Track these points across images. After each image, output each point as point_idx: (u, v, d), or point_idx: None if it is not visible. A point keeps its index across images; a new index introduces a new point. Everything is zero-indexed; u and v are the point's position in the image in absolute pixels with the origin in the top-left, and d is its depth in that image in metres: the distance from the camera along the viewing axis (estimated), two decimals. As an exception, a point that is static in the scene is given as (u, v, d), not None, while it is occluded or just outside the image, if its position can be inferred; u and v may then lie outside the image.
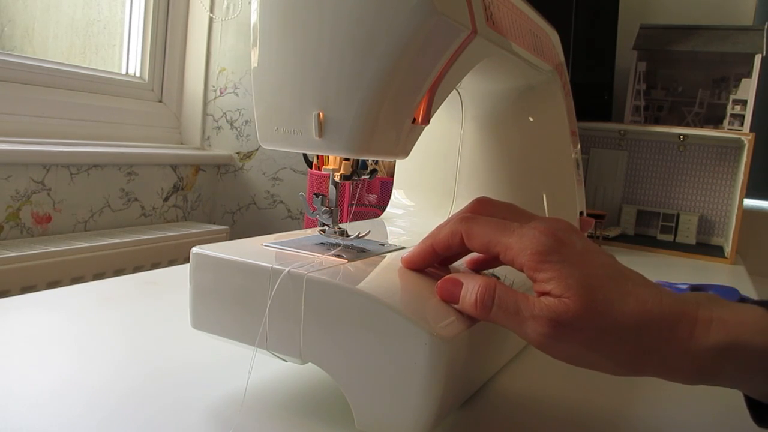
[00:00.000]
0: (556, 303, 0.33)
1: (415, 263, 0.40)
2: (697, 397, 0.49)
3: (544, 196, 0.66)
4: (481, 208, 0.41)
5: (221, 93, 1.75)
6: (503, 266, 0.41)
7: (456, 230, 0.38)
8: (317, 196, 0.44)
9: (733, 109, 1.22)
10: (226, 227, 1.64)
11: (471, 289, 0.35)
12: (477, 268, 0.42)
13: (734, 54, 1.23)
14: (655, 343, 0.33)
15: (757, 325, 0.32)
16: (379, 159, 0.66)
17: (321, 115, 0.38)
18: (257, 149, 1.73)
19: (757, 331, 0.32)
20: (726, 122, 1.23)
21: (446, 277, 0.37)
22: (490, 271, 0.43)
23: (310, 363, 0.37)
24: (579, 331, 0.33)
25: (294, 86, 0.39)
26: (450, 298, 0.37)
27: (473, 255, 0.42)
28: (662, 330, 0.33)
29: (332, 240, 0.45)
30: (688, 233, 1.29)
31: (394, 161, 0.79)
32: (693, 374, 0.33)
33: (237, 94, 1.74)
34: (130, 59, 1.66)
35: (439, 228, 0.39)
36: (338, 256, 0.41)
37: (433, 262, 0.40)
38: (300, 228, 0.85)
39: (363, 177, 0.45)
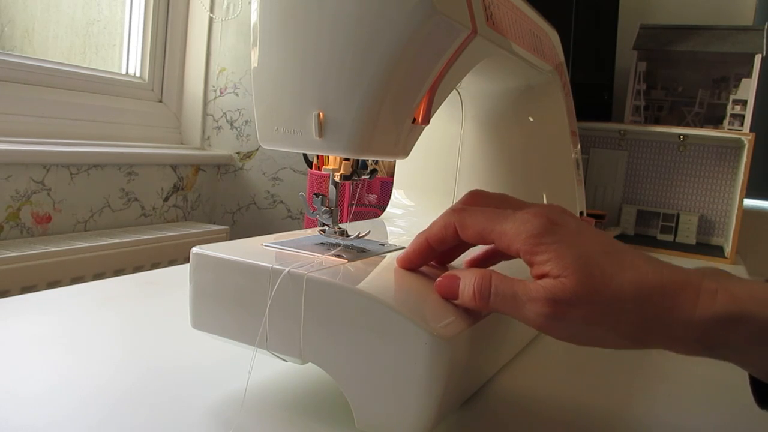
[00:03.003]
0: (554, 283, 0.33)
1: (411, 261, 0.40)
2: (696, 398, 0.49)
3: (544, 196, 0.66)
4: (473, 201, 0.41)
5: (221, 93, 1.75)
6: (502, 263, 0.41)
7: (449, 222, 0.38)
8: (317, 196, 0.44)
9: (733, 109, 1.22)
10: (226, 227, 1.64)
11: (468, 282, 0.36)
12: (476, 266, 0.42)
13: (734, 54, 1.23)
14: (657, 313, 0.32)
15: (765, 296, 0.32)
16: (379, 159, 0.66)
17: (321, 115, 0.38)
18: (257, 149, 1.73)
19: (764, 303, 0.31)
20: (726, 122, 1.23)
21: (444, 274, 0.37)
22: (490, 268, 0.43)
23: (310, 363, 0.37)
24: (578, 308, 0.32)
25: (294, 86, 0.39)
26: (450, 294, 0.37)
27: (471, 255, 0.42)
28: (664, 298, 0.32)
29: (332, 240, 0.45)
30: (688, 233, 1.29)
31: (394, 161, 0.79)
32: (697, 345, 0.33)
33: (237, 94, 1.74)
34: (130, 59, 1.66)
35: (433, 223, 0.39)
36: (338, 256, 0.41)
37: (429, 257, 0.40)
38: (300, 228, 0.85)
39: (363, 177, 0.45)
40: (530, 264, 0.34)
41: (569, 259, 0.33)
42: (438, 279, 0.37)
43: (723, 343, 0.32)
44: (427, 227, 0.39)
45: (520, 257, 0.35)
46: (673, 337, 0.33)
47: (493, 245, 0.38)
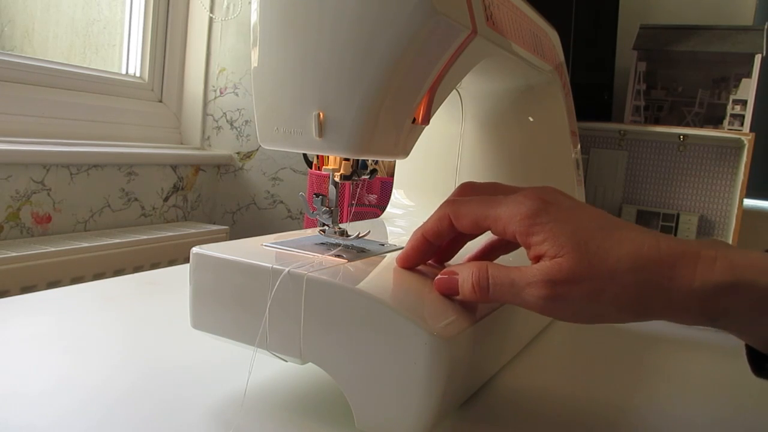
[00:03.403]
0: (551, 264, 0.33)
1: (409, 258, 0.40)
2: (697, 394, 0.49)
3: (544, 196, 0.66)
4: (464, 192, 0.41)
5: (221, 93, 1.75)
6: (501, 259, 0.42)
7: (443, 214, 0.38)
8: (317, 196, 0.44)
9: (733, 109, 1.22)
10: (226, 227, 1.64)
11: (466, 276, 0.36)
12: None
13: (734, 54, 1.23)
14: (656, 283, 0.32)
15: (765, 264, 0.31)
16: (379, 159, 0.66)
17: (321, 115, 0.38)
18: (257, 149, 1.73)
19: (763, 271, 0.31)
20: (726, 122, 1.23)
21: (442, 271, 0.37)
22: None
23: (310, 363, 0.37)
24: (577, 285, 0.32)
25: (294, 86, 0.39)
26: (449, 291, 0.37)
27: (468, 253, 0.42)
28: (662, 269, 0.32)
29: (332, 240, 0.45)
30: (688, 233, 1.29)
31: (394, 161, 0.79)
32: (698, 314, 0.32)
33: (237, 94, 1.74)
34: (130, 59, 1.66)
35: (428, 218, 0.39)
36: (338, 256, 0.41)
37: (428, 254, 0.40)
38: (300, 228, 0.85)
39: (363, 177, 0.45)
40: (527, 246, 0.34)
41: (564, 238, 0.33)
42: (436, 277, 0.37)
43: (723, 312, 0.32)
44: (422, 223, 0.39)
45: (516, 240, 0.35)
46: (674, 308, 0.33)
47: (489, 241, 0.38)
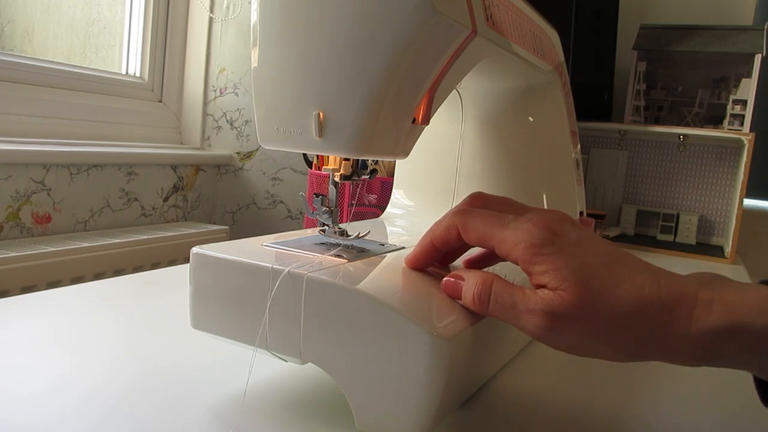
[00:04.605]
0: (552, 295, 0.33)
1: (417, 262, 0.40)
2: (697, 398, 0.49)
3: (544, 196, 0.66)
4: (474, 203, 0.41)
5: (221, 93, 1.75)
6: (502, 264, 0.41)
7: (452, 224, 0.38)
8: (317, 196, 0.44)
9: (733, 109, 1.22)
10: (226, 227, 1.64)
11: (469, 285, 0.36)
12: (474, 267, 0.42)
13: (734, 54, 1.23)
14: (653, 327, 0.32)
15: (760, 305, 0.32)
16: (379, 159, 0.66)
17: (321, 115, 0.38)
18: (257, 149, 1.73)
19: (759, 312, 0.31)
20: (726, 122, 1.23)
21: (450, 273, 0.38)
22: (491, 267, 0.43)
23: (310, 363, 0.37)
24: (576, 322, 0.33)
25: (294, 86, 0.39)
26: (454, 295, 0.37)
27: (469, 254, 0.42)
28: (661, 313, 0.32)
29: (332, 240, 0.45)
30: (688, 233, 1.29)
31: (394, 161, 0.79)
32: (694, 357, 0.33)
33: (237, 94, 1.74)
34: (130, 59, 1.66)
35: (437, 224, 0.39)
36: (338, 256, 0.41)
37: (435, 258, 0.40)
38: (300, 228, 0.85)
39: (363, 177, 0.45)
40: (528, 273, 0.34)
41: (567, 272, 0.33)
42: (444, 279, 0.38)
43: (720, 355, 0.33)
44: (430, 228, 0.39)
45: (519, 265, 0.35)
46: (670, 352, 0.33)
47: None
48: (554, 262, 0.33)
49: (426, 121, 0.40)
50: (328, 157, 0.44)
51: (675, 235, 1.30)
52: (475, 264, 0.42)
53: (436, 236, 0.39)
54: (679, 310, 0.32)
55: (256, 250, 0.41)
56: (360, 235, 0.45)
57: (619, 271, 0.33)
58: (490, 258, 0.42)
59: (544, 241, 0.34)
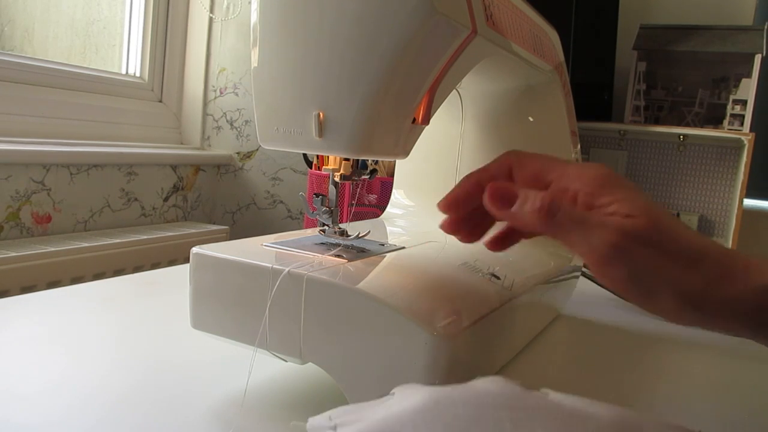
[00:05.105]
0: (624, 219, 0.32)
1: (458, 201, 0.38)
2: (700, 399, 0.49)
3: (544, 196, 0.66)
4: (510, 158, 0.38)
5: (221, 93, 1.75)
6: (503, 266, 0.41)
7: (504, 161, 0.36)
8: (317, 196, 0.44)
9: (733, 109, 1.22)
10: (226, 227, 1.64)
11: (533, 196, 0.33)
12: (498, 244, 0.39)
13: (734, 54, 1.23)
14: (716, 275, 0.32)
15: None
16: (379, 159, 0.66)
17: (321, 115, 0.38)
18: (257, 149, 1.73)
19: None
20: (726, 122, 1.23)
21: (500, 183, 0.35)
22: (489, 270, 0.43)
23: (310, 363, 0.37)
24: (646, 247, 0.31)
25: (294, 86, 0.39)
26: (502, 202, 0.34)
27: (491, 236, 0.40)
28: (721, 266, 0.32)
29: (332, 240, 0.45)
30: (688, 233, 1.28)
31: (394, 161, 0.79)
32: (745, 319, 0.32)
33: (237, 94, 1.74)
34: (130, 59, 1.66)
35: (482, 168, 0.37)
36: (338, 256, 0.41)
37: (474, 203, 0.37)
38: (300, 228, 0.85)
39: (363, 177, 0.45)
40: (590, 206, 0.33)
41: (639, 202, 0.32)
42: (491, 184, 0.35)
43: None
44: (471, 173, 0.37)
45: (577, 197, 0.33)
46: (726, 307, 0.32)
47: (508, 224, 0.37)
48: (624, 194, 0.33)
49: (426, 121, 0.40)
50: (328, 157, 0.44)
51: (675, 235, 1.30)
52: (498, 241, 0.39)
53: (486, 172, 0.37)
54: (735, 267, 0.32)
55: (256, 250, 0.41)
56: (360, 235, 0.45)
57: (681, 222, 0.33)
58: (512, 235, 0.40)
59: (610, 175, 0.34)
